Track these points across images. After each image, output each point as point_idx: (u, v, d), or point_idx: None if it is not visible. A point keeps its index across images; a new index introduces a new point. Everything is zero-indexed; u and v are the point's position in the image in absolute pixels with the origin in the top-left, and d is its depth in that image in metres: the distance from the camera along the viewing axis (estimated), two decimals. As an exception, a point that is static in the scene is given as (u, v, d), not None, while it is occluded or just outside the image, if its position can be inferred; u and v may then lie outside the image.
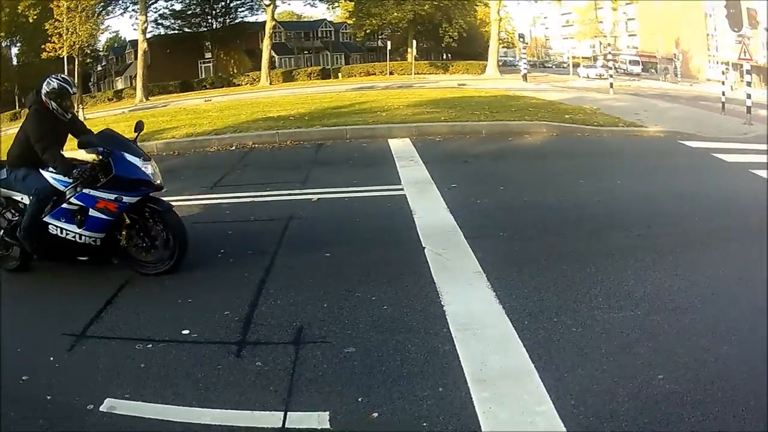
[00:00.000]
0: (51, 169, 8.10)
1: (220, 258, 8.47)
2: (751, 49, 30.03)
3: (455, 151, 17.56)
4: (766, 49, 63.02)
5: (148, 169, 8.22)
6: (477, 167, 15.32)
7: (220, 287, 7.69)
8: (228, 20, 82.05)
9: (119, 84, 77.83)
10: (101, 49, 79.64)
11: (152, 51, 67.17)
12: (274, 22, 73.14)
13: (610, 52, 55.71)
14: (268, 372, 5.65)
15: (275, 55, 77.17)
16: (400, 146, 17.82)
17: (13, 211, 8.57)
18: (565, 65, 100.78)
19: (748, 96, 27.73)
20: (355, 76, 73.48)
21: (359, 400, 5.19)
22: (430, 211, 10.78)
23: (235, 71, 77.93)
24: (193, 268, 8.22)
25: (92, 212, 7.92)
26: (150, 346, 6.31)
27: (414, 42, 72.04)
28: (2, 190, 8.52)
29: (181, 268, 8.28)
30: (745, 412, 4.98)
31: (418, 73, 70.24)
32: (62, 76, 8.42)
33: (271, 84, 68.25)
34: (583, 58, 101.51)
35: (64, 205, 8.02)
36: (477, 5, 79.46)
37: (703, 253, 9.05)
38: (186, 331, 6.49)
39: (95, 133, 8.54)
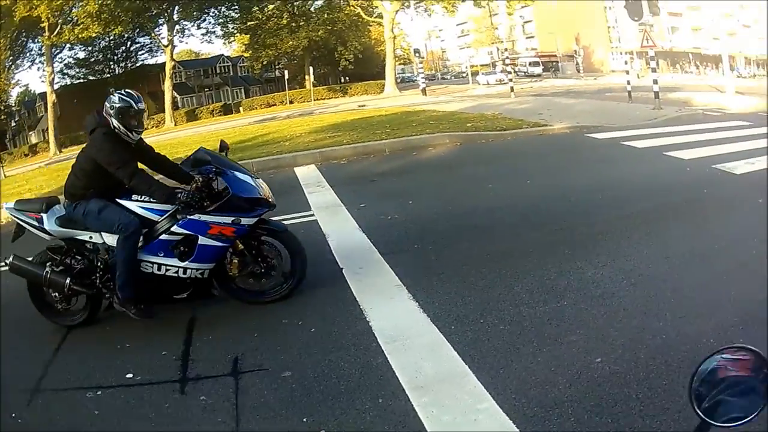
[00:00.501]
0: (137, 197, 7.41)
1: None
2: (654, 35, 30.98)
3: (361, 171, 17.74)
4: None
5: (261, 187, 7.84)
6: (384, 185, 15.44)
7: (154, 328, 7.57)
8: (129, 64, 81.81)
9: (33, 138, 76.34)
10: (14, 104, 78.61)
11: (61, 102, 65.89)
12: (173, 62, 73.17)
13: (507, 57, 56.48)
14: (213, 405, 5.72)
15: (177, 96, 77.05)
16: (306, 173, 17.86)
17: (76, 254, 7.72)
18: (463, 75, 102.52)
19: (655, 82, 29.11)
20: (256, 108, 73.56)
21: (304, 420, 5.29)
22: (343, 233, 10.85)
23: (141, 115, 77.77)
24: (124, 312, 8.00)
25: (202, 240, 7.34)
26: (100, 393, 6.27)
27: (311, 68, 72.64)
28: (60, 229, 7.59)
29: (114, 313, 7.90)
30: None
31: (317, 99, 70.74)
32: (126, 90, 7.61)
33: (175, 125, 68.08)
34: (481, 65, 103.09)
35: (163, 237, 7.39)
36: (371, 25, 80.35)
37: (624, 239, 9.44)
38: (130, 375, 6.46)
39: (194, 152, 7.84)
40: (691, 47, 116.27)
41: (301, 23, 74.66)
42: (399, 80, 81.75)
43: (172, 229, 7.37)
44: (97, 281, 7.57)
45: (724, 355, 2.50)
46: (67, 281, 7.44)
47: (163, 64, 73.63)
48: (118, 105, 7.27)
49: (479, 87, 71.06)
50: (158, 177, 8.19)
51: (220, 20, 77.13)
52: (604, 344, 6.10)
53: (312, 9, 76.73)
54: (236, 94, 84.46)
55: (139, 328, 7.54)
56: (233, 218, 7.40)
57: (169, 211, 7.39)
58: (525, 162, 16.97)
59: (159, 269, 7.40)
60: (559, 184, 13.43)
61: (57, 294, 7.68)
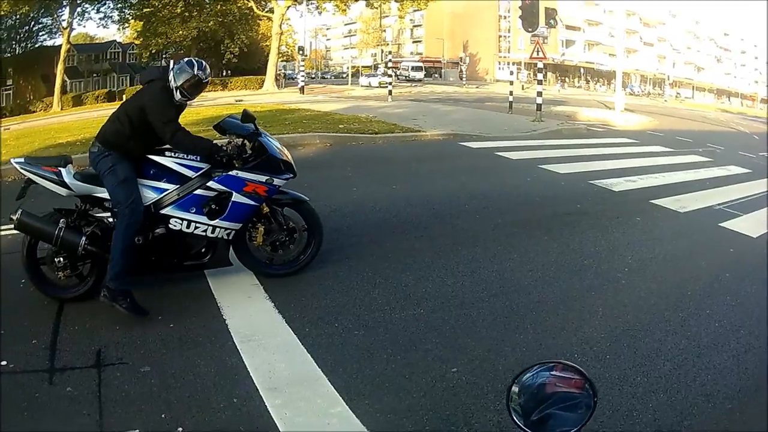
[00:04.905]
0: (170, 153, 7.60)
1: (22, 287, 8.21)
2: (546, 48, 31.64)
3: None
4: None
5: (288, 153, 8.28)
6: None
7: (24, 316, 7.33)
8: (30, 45, 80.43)
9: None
10: None
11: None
12: (69, 46, 72.14)
13: (390, 60, 57.00)
14: (78, 396, 5.69)
15: (67, 80, 75.78)
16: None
17: (91, 214, 7.61)
18: (344, 75, 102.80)
19: (539, 94, 30.16)
20: (138, 96, 73.07)
21: (162, 416, 5.35)
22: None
23: (32, 97, 76.10)
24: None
25: (236, 197, 7.62)
26: (-23, 380, 6.20)
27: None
28: (80, 184, 7.47)
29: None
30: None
31: None
32: (198, 59, 7.88)
33: (62, 109, 66.80)
34: (363, 67, 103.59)
35: (198, 192, 7.54)
36: (260, 20, 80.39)
37: (488, 249, 9.82)
38: (4, 362, 6.34)
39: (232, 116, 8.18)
40: (584, 62, 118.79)
41: (194, 13, 74.34)
42: (283, 77, 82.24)
43: (207, 184, 7.58)
44: None
45: (553, 372, 2.68)
46: (82, 240, 7.27)
47: (60, 47, 72.67)
48: (183, 66, 7.58)
49: (357, 89, 71.51)
50: None
51: (119, 5, 76.39)
52: (461, 354, 6.32)
53: (207, -1, 76.60)
54: (122, 81, 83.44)
55: (11, 317, 7.29)
56: (267, 177, 7.80)
57: (203, 168, 7.62)
58: (394, 167, 17.48)
59: (188, 226, 7.54)
60: (426, 191, 13.91)
61: (62, 260, 7.42)
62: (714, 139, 31.28)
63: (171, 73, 7.60)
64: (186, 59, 7.75)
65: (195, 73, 7.56)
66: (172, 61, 8.02)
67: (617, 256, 9.91)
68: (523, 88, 72.39)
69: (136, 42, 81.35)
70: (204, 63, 7.77)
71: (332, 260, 8.97)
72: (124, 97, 69.20)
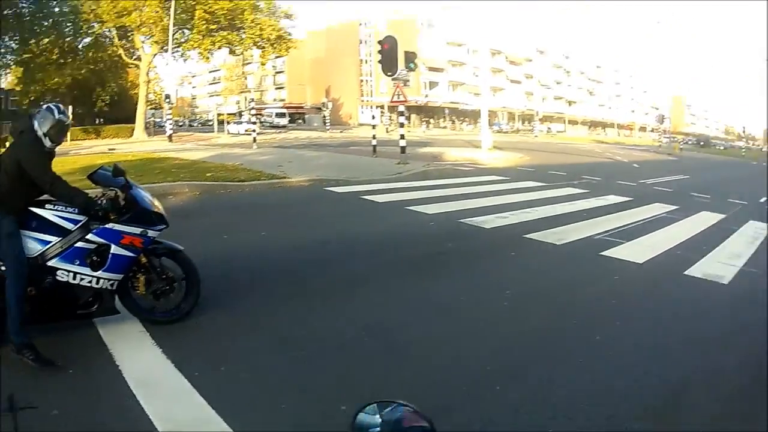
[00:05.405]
0: (51, 206, 7.68)
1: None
2: (409, 90, 32.11)
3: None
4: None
5: (159, 205, 8.38)
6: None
7: None
8: None
9: None
10: None
11: None
12: None
13: (253, 107, 57.43)
14: None
15: None
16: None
17: None
18: (210, 123, 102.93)
19: (402, 137, 30.97)
20: (17, 146, 72.15)
21: None
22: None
23: None
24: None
25: (115, 249, 7.72)
26: None
27: (71, 107, 71.46)
28: None
29: None
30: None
31: (74, 140, 69.61)
32: (56, 103, 8.06)
33: None
34: (228, 114, 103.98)
35: (79, 244, 7.61)
36: (129, 67, 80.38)
37: (359, 291, 10.01)
38: None
39: (104, 168, 8.22)
40: (448, 102, 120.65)
41: (68, 60, 74.04)
42: (153, 125, 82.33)
43: (87, 237, 7.67)
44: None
45: (407, 407, 2.75)
46: None
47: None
48: (44, 113, 7.70)
49: (223, 136, 72.04)
50: None
51: (1, 50, 75.60)
52: (349, 391, 6.43)
53: (80, 46, 76.41)
54: (4, 128, 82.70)
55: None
56: (141, 229, 7.94)
57: (81, 221, 7.70)
58: (261, 214, 17.78)
59: (74, 278, 7.58)
60: (294, 237, 14.13)
61: None
62: (590, 170, 32.81)
63: (35, 122, 7.72)
64: (45, 106, 7.93)
65: (57, 117, 7.73)
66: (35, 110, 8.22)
67: (494, 290, 10.11)
68: (387, 131, 73.65)
69: (17, 88, 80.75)
70: (62, 106, 7.97)
71: (210, 307, 8.94)
72: (6, 143, 68.38)
